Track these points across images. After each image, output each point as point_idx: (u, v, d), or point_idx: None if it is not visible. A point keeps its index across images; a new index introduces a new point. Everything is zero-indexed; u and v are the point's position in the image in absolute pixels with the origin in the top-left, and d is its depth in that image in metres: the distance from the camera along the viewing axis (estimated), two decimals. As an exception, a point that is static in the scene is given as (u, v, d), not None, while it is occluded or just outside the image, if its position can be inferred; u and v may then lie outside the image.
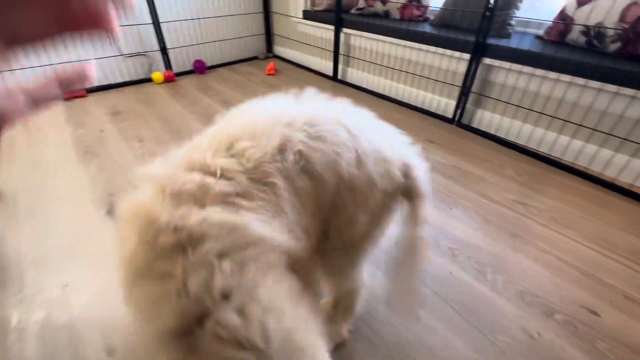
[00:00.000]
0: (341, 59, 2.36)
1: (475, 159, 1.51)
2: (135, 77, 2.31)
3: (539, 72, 1.44)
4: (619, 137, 1.28)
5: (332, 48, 2.35)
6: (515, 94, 1.57)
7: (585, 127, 1.36)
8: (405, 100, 2.04)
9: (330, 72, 2.46)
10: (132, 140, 1.60)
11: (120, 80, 2.25)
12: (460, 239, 1.07)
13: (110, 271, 0.93)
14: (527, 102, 1.54)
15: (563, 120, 1.42)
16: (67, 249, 1.00)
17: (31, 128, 1.68)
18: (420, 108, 1.97)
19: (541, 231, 1.11)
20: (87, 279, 0.91)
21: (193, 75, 2.49)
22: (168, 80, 2.34)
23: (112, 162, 1.42)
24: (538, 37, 1.66)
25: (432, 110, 1.93)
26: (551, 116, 1.45)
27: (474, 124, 1.77)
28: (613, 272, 0.96)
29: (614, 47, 1.36)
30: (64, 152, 1.49)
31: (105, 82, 2.20)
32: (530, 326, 0.81)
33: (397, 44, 1.98)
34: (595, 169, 1.40)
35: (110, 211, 1.15)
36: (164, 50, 2.33)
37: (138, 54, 2.27)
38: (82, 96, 2.07)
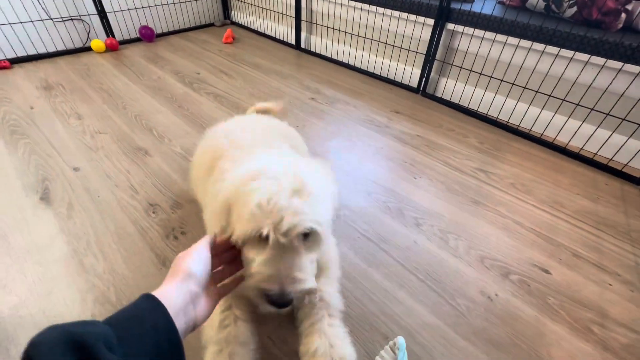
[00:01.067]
0: (304, 26, 2.23)
1: (439, 129, 1.51)
2: (70, 46, 2.04)
3: (501, 37, 1.43)
4: (572, 103, 1.32)
5: (293, 14, 2.20)
6: (477, 62, 1.56)
7: (542, 93, 1.39)
8: (371, 70, 1.98)
9: (292, 41, 2.32)
10: (70, 118, 1.42)
11: (52, 49, 1.97)
12: (424, 208, 1.07)
13: (45, 266, 0.83)
14: (488, 70, 1.54)
15: (521, 87, 1.43)
16: (-7, 242, 0.88)
17: (-58, 105, 1.43)
18: (386, 78, 1.92)
19: (501, 197, 1.14)
20: (18, 276, 0.80)
21: (140, 44, 2.25)
22: (110, 49, 2.09)
23: (45, 143, 1.25)
24: (500, 2, 1.64)
25: (398, 80, 1.89)
26: (511, 83, 1.46)
27: (438, 94, 1.76)
28: (564, 233, 1.01)
29: (570, 12, 1.37)
30: (-15, 132, 1.29)
31: (32, 52, 1.92)
32: (489, 288, 0.84)
33: (362, 9, 1.88)
34: (550, 134, 1.45)
35: (45, 197, 1.02)
36: (102, 14, 2.06)
37: (71, 19, 1.99)
38: (4, 67, 1.79)
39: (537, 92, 1.39)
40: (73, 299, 0.76)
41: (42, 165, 1.14)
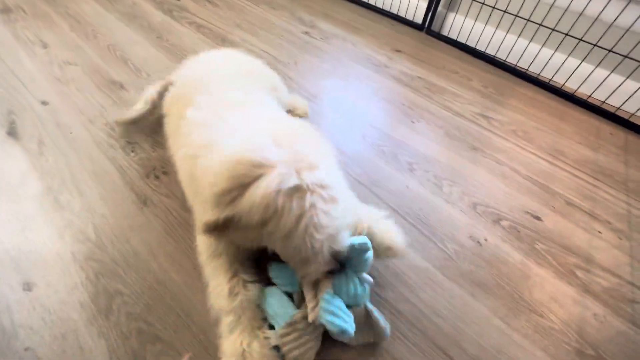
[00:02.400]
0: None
1: (442, 70, 1.40)
2: (28, -38, 1.76)
3: (521, -37, 1.26)
4: (589, 43, 1.21)
5: None
6: (491, -6, 1.40)
7: (558, 31, 1.26)
8: (372, 2, 1.78)
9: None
10: (34, 46, 1.26)
11: (7, -36, 1.70)
12: (420, 153, 1.02)
13: (19, 203, 0.78)
14: (502, 3, 1.38)
15: (537, 24, 1.30)
16: (-41, 178, 0.82)
17: None
18: (388, 12, 1.74)
19: (500, 144, 1.09)
20: (-10, 211, 0.76)
21: (111, -37, 1.96)
22: (76, -33, 1.81)
23: (8, 73, 1.13)
24: None
25: (402, 15, 1.71)
26: (526, 19, 1.32)
27: (444, 32, 1.61)
28: (560, 181, 0.99)
29: None
30: (-62, 59, 1.15)
31: (-16, -34, 1.65)
32: (479, 233, 0.83)
33: None
34: (559, 80, 1.36)
35: (12, 132, 0.94)
36: None
37: None
38: (-46, -15, 1.55)
39: (552, 30, 1.27)
40: (50, 236, 0.73)
41: (6, 98, 1.04)
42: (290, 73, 1.28)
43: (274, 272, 0.64)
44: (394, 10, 1.72)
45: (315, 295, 0.56)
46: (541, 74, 1.38)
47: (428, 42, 1.58)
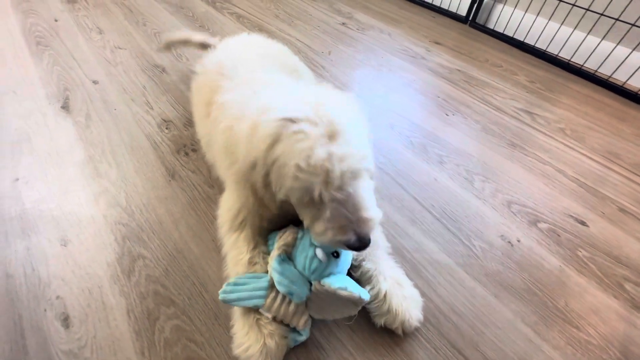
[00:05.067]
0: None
1: (484, 63, 1.31)
2: (94, -42, 1.93)
3: (583, -53, 1.14)
4: (661, 36, 1.07)
5: None
6: (546, -18, 1.29)
7: (623, 21, 1.13)
8: (414, -5, 1.72)
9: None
10: (91, 32, 1.38)
11: (76, -39, 1.88)
12: (452, 146, 0.96)
13: (64, 168, 0.85)
14: (559, -8, 1.27)
15: (598, 13, 1.17)
16: (19, 143, 0.91)
17: (-26, 14, 1.45)
18: (430, 4, 1.67)
19: (545, 142, 1.00)
20: (40, 175, 0.84)
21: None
22: (134, -37, 1.95)
23: (68, 55, 1.24)
24: None
25: (444, 7, 1.63)
26: (585, 9, 1.20)
27: (490, 24, 1.51)
28: (613, 185, 0.88)
29: None
30: (12, 43, 1.29)
31: (57, -38, 1.84)
32: (511, 233, 0.77)
33: None
34: (621, 77, 1.22)
35: (66, 105, 1.03)
36: None
37: None
38: (32, -21, 1.75)
39: (617, 20, 1.14)
40: (87, 199, 0.79)
41: (63, 76, 1.14)
42: (323, 62, 1.28)
43: (270, 238, 0.64)
44: (437, 3, 1.65)
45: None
46: (599, 71, 1.25)
47: (471, 35, 1.50)
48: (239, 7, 1.62)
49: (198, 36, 1.06)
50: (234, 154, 0.56)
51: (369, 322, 0.61)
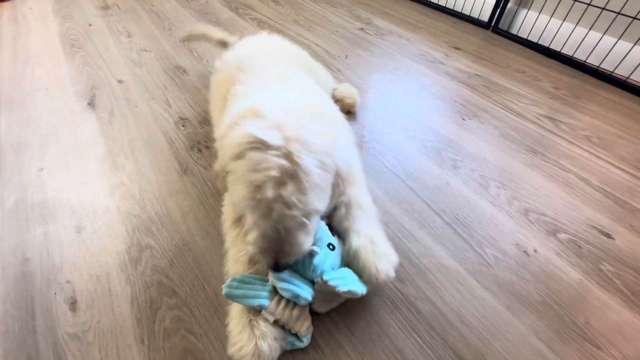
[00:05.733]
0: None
1: (506, 69, 1.27)
2: (129, -31, 2.05)
3: (615, -51, 1.10)
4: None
5: None
6: (574, -15, 1.24)
7: (659, 27, 1.07)
8: (435, 1, 1.71)
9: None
10: (121, 35, 1.46)
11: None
12: (467, 151, 0.93)
13: (85, 160, 0.90)
14: (587, -4, 1.21)
15: (630, 17, 1.11)
16: (46, 136, 0.97)
17: (19, 20, 1.57)
18: (451, 10, 1.65)
19: (568, 149, 0.95)
20: (62, 166, 0.88)
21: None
22: (165, -27, 2.06)
23: (97, 56, 1.32)
24: None
25: (466, 12, 1.61)
26: (616, 12, 1.14)
27: (514, 30, 1.47)
28: (644, 197, 0.82)
29: None
30: (49, 44, 1.39)
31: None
32: (527, 243, 0.72)
33: None
34: (656, 84, 1.14)
35: (92, 103, 1.09)
36: None
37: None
38: (72, -12, 1.88)
39: (650, 24, 1.07)
40: (103, 191, 0.82)
41: (92, 76, 1.21)
42: (339, 65, 1.28)
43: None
44: (458, 8, 1.63)
45: None
46: (631, 77, 1.18)
47: (493, 40, 1.46)
48: (260, 13, 1.66)
49: (218, 33, 1.11)
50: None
51: (369, 324, 0.59)
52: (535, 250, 0.71)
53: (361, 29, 1.54)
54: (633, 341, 0.58)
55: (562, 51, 1.32)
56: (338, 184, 0.53)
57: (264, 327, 0.52)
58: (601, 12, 1.18)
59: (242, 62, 0.76)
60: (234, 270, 0.60)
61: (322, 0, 1.79)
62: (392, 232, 0.73)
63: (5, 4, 1.71)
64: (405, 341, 0.57)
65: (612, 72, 1.21)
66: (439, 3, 1.69)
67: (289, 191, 0.45)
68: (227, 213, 0.67)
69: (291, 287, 0.53)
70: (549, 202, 0.81)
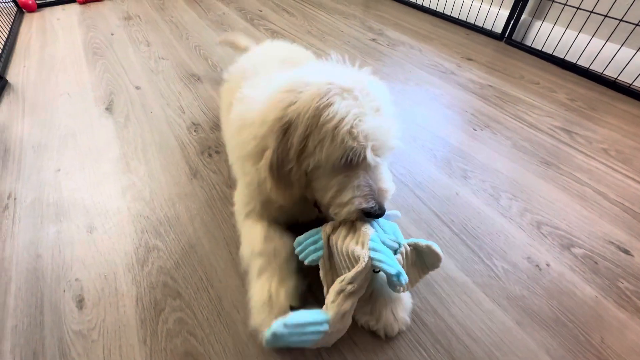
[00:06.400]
0: (378, -39, 1.99)
1: (519, 80, 1.26)
2: (151, -18, 2.14)
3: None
4: None
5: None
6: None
7: (680, 39, 1.04)
8: (448, 12, 1.72)
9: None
10: (140, 44, 1.52)
11: (136, -16, 2.10)
12: (478, 162, 0.92)
13: (100, 162, 0.92)
14: (603, 7, 1.19)
15: (649, 30, 1.09)
16: (65, 138, 1.00)
17: (47, 29, 1.65)
18: (464, 22, 1.65)
19: (584, 162, 0.92)
20: (78, 167, 0.91)
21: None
22: (185, -15, 2.15)
23: (117, 64, 1.37)
24: None
25: (479, 24, 1.61)
26: (634, 24, 1.12)
27: (528, 41, 1.46)
28: (665, 213, 0.78)
29: None
30: (73, 52, 1.45)
31: (120, -14, 2.07)
32: (540, 256, 0.70)
33: None
34: (678, 97, 1.11)
35: (110, 107, 1.13)
36: (179, -51, 2.10)
37: (153, -47, 2.07)
38: (98, 0, 1.98)
39: (671, 36, 1.05)
40: (116, 192, 0.84)
41: (111, 82, 1.26)
42: (350, 75, 1.29)
43: (297, 243, 0.59)
44: (471, 20, 1.63)
45: (362, 245, 0.51)
46: (652, 90, 1.14)
47: (507, 52, 1.45)
48: (274, 24, 1.70)
49: (244, 41, 1.17)
50: (244, 133, 0.57)
51: (373, 334, 0.57)
52: (547, 265, 0.69)
53: (373, 39, 1.56)
54: (653, 364, 0.55)
55: (578, 63, 1.30)
56: None
57: (275, 282, 0.55)
58: (618, 23, 1.16)
59: (246, 71, 0.79)
60: (251, 248, 0.60)
61: (336, 12, 1.83)
62: (398, 241, 0.72)
63: (35, 14, 1.81)
64: (409, 354, 0.56)
65: (631, 84, 1.18)
66: (452, 15, 1.69)
67: (384, 118, 0.49)
68: (240, 205, 0.68)
69: (393, 262, 0.48)
70: (563, 216, 0.78)
